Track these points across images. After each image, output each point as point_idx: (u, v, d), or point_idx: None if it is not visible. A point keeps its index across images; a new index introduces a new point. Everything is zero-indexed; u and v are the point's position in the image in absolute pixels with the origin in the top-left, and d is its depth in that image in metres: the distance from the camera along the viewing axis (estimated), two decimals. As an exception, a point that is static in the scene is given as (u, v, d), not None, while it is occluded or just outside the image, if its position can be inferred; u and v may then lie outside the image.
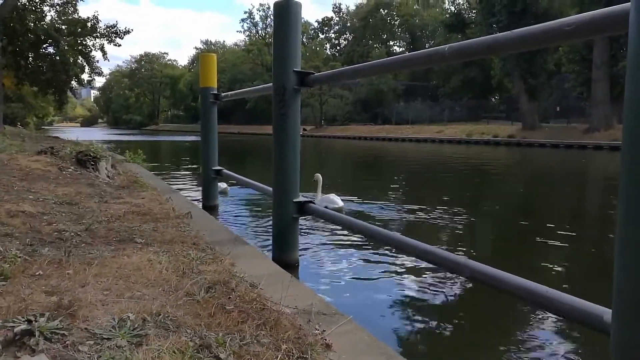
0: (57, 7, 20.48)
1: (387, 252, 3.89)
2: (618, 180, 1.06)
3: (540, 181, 10.95)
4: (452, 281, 3.28)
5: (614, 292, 1.04)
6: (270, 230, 3.42)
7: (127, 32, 21.05)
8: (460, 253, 3.99)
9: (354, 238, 4.31)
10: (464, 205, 6.65)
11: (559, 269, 3.76)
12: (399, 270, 3.53)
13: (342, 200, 5.84)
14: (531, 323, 2.66)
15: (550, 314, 2.52)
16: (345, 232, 4.41)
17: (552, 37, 1.56)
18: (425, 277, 3.36)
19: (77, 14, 20.86)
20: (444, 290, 3.15)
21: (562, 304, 1.49)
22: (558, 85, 34.77)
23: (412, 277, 3.39)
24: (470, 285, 3.17)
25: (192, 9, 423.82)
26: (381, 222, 5.23)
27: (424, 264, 3.52)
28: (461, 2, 48.35)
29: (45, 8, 19.88)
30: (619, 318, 1.05)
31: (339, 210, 5.31)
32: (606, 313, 1.31)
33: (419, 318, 2.72)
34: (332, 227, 4.60)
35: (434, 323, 2.67)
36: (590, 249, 4.63)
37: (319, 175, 5.61)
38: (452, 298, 3.04)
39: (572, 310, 1.46)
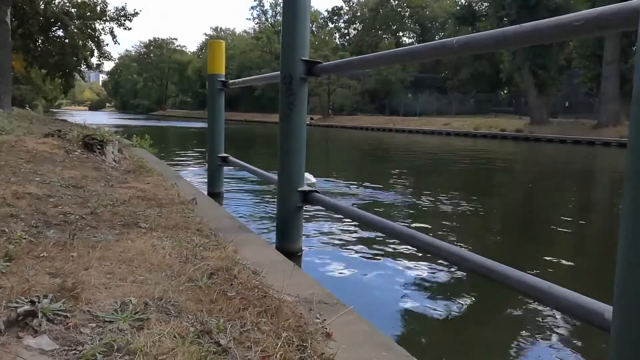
0: (67, -12, 20.37)
1: (391, 242, 3.90)
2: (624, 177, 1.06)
3: (545, 176, 10.90)
4: (455, 274, 3.28)
5: (616, 289, 1.04)
6: (275, 218, 3.43)
7: (136, 13, 20.96)
8: (461, 245, 3.99)
9: (359, 228, 4.32)
10: (468, 197, 6.63)
11: (561, 263, 3.76)
12: (402, 262, 3.54)
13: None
14: (532, 318, 2.66)
15: (551, 310, 2.52)
16: (350, 222, 4.42)
17: (561, 33, 1.54)
18: (428, 269, 3.36)
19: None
20: (446, 282, 3.16)
21: (563, 300, 1.49)
22: (567, 80, 34.50)
23: (415, 268, 3.40)
24: (473, 278, 3.17)
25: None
26: (385, 210, 5.23)
27: (427, 256, 3.53)
28: (472, -6, 47.91)
29: (55, -10, 19.80)
30: (620, 316, 1.04)
31: (312, 186, 5.69)
32: (607, 310, 1.31)
33: (421, 310, 2.73)
34: (336, 216, 4.60)
35: (435, 315, 2.68)
36: (593, 245, 4.62)
37: None
38: (454, 291, 3.04)
39: (573, 306, 1.45)
